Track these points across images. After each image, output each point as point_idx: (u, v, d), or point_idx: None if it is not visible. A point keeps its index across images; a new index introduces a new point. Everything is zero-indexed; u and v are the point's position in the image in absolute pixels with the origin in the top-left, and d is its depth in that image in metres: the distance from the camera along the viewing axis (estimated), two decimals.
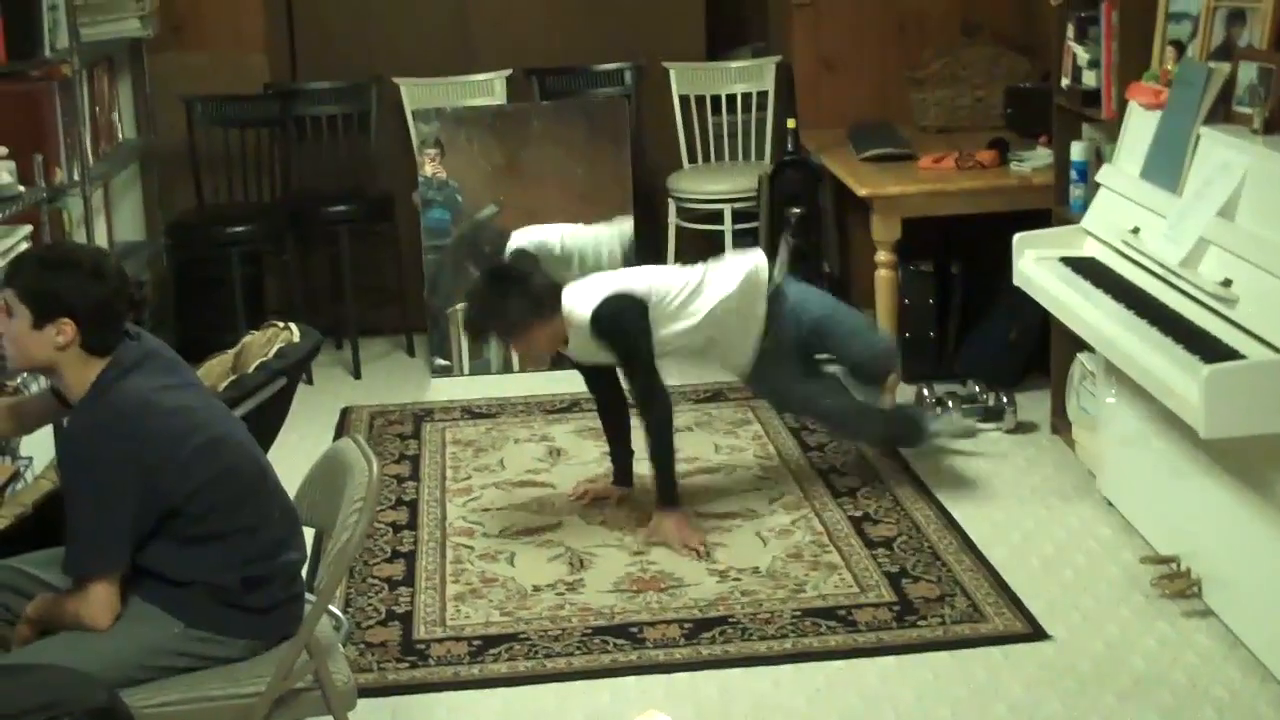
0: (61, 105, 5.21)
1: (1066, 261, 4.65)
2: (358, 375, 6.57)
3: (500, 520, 5.01)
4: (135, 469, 3.03)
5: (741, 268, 4.92)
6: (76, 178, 5.32)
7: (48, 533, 3.40)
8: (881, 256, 5.74)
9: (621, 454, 5.11)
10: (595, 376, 5.04)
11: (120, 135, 6.20)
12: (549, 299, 4.71)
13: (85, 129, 5.47)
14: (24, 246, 4.63)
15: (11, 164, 4.71)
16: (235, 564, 3.14)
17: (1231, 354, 3.66)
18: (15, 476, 3.93)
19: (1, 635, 3.27)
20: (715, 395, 6.07)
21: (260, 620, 3.19)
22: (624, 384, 4.95)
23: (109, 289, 3.13)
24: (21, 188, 4.75)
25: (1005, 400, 5.60)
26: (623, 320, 4.72)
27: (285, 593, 3.23)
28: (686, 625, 4.25)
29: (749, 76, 7.01)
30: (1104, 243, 4.60)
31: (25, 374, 4.22)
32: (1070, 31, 5.18)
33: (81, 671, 2.89)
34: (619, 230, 6.25)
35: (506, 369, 6.46)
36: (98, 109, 5.80)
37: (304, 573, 3.36)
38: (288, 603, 3.24)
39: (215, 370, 3.80)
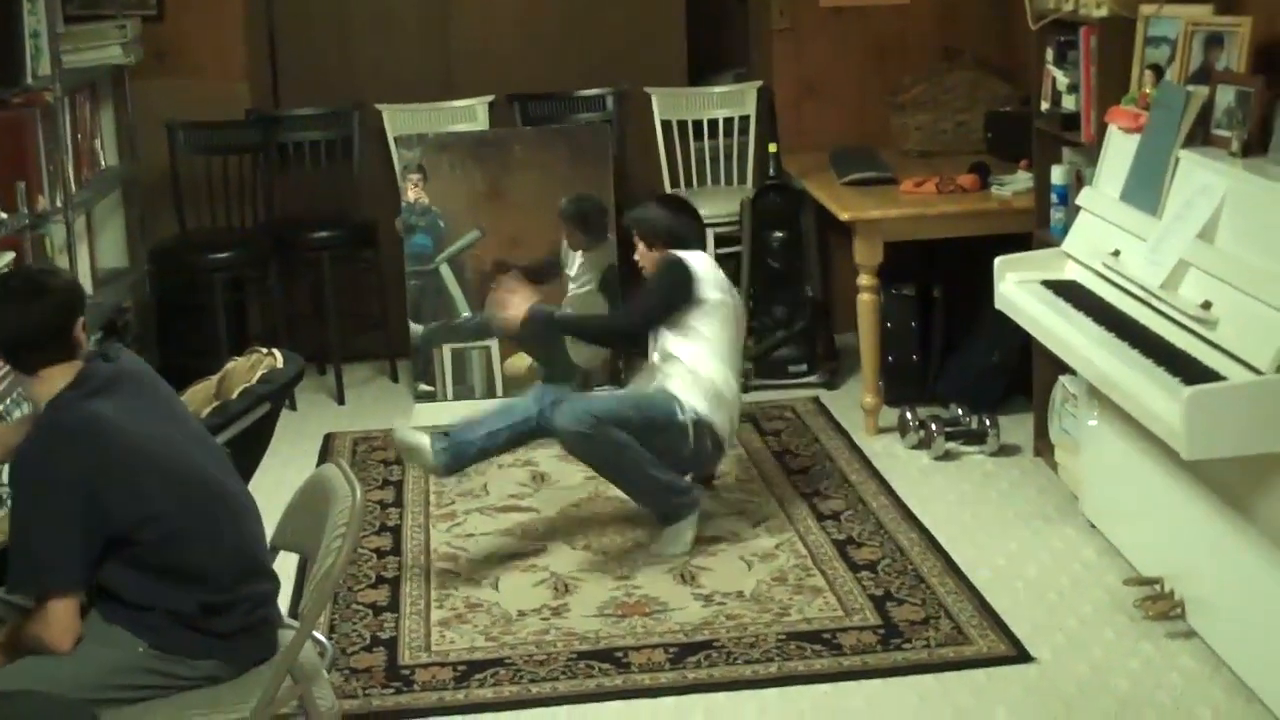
0: (44, 132, 5.21)
1: (1048, 284, 4.67)
2: (341, 401, 6.57)
3: (484, 545, 5.01)
4: (82, 490, 3.03)
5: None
6: (59, 204, 5.31)
7: None
8: (864, 280, 5.75)
9: None
10: None
11: (103, 162, 6.19)
12: (671, 237, 5.18)
13: (68, 156, 5.47)
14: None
15: None
16: (191, 593, 3.14)
17: (1212, 375, 3.67)
18: None
19: None
20: None
21: (225, 645, 3.18)
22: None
23: (33, 314, 3.14)
24: (4, 215, 4.75)
25: (988, 423, 5.61)
26: (675, 274, 5.02)
27: (250, 618, 3.22)
28: (672, 650, 4.25)
29: (730, 101, 7.03)
30: (1085, 265, 4.62)
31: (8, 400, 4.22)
32: (1050, 56, 5.21)
33: (66, 697, 2.88)
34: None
35: (490, 393, 6.45)
36: (80, 136, 5.80)
37: (278, 599, 3.35)
38: (256, 627, 3.23)
39: (199, 396, 3.80)
